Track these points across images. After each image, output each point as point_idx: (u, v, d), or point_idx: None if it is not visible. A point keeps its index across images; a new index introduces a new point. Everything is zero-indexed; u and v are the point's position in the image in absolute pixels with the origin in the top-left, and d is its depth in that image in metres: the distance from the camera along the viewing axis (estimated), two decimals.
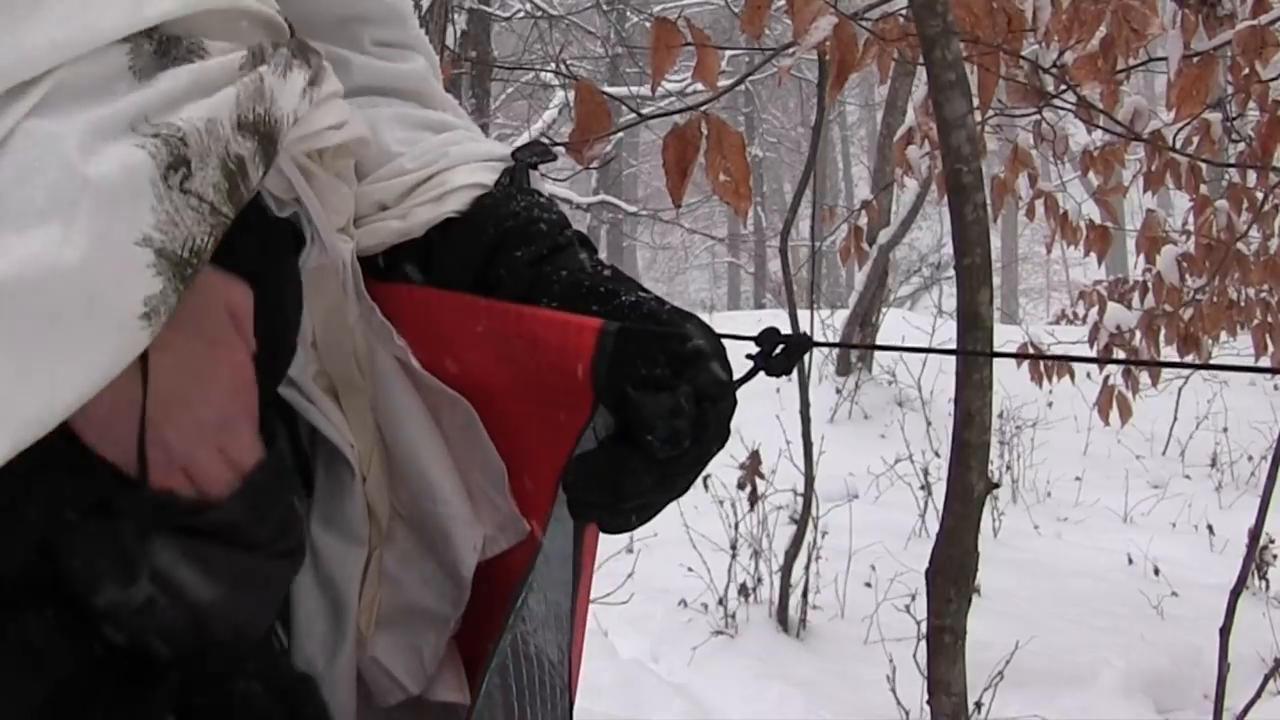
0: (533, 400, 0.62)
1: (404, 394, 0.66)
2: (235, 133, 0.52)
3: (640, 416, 0.57)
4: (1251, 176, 3.49)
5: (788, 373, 0.61)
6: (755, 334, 0.61)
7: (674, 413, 0.57)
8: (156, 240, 0.48)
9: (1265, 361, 4.10)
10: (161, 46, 0.51)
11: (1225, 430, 6.49)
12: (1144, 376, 4.07)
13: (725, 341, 0.61)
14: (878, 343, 7.50)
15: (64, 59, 0.48)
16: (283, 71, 0.55)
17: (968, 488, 1.81)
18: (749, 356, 0.61)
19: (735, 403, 0.60)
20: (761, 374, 0.61)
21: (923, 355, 6.83)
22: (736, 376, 0.60)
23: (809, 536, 3.73)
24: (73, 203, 0.46)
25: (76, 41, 0.48)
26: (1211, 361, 6.47)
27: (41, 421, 0.45)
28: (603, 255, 0.67)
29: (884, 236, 6.71)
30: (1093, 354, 4.06)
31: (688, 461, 0.59)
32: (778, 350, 0.61)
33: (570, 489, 0.61)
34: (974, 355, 1.70)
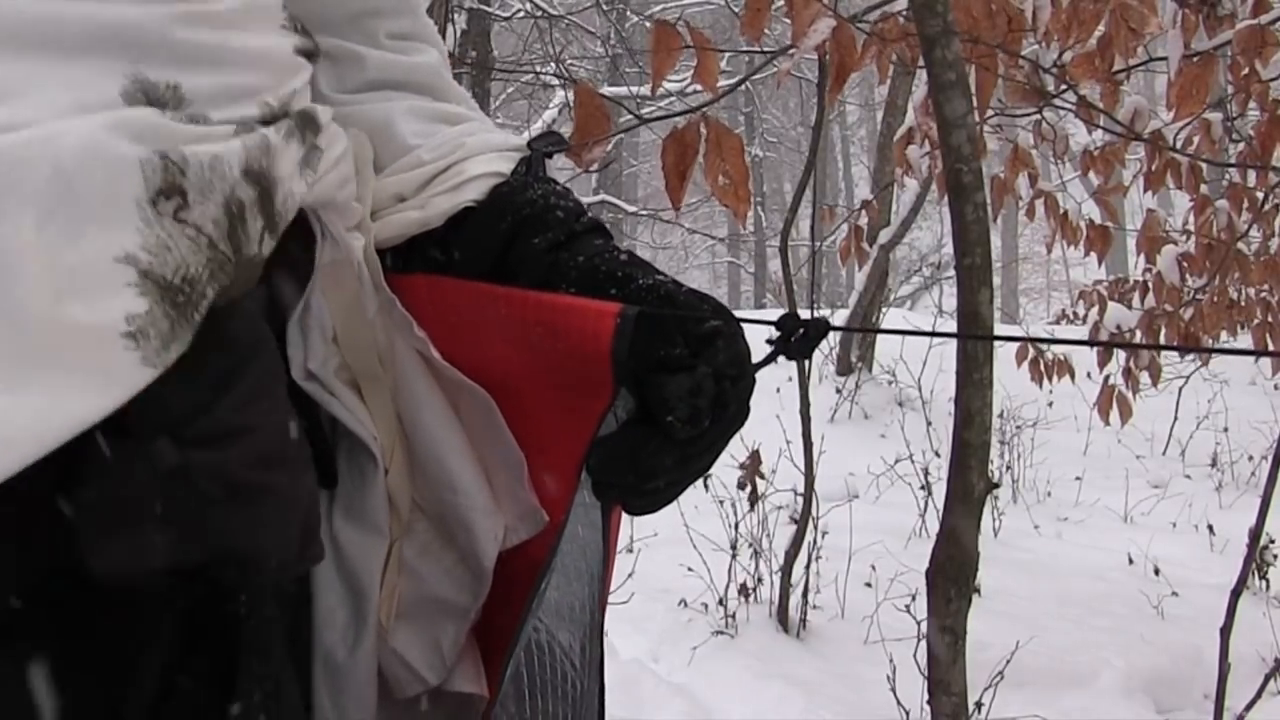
0: (553, 386, 0.62)
1: (424, 385, 0.66)
2: (242, 177, 0.52)
3: (660, 397, 0.58)
4: (1251, 176, 3.49)
5: (806, 356, 0.61)
6: (773, 320, 0.62)
7: (693, 393, 0.58)
8: (143, 261, 0.47)
9: (1265, 363, 4.10)
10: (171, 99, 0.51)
11: (1225, 430, 6.49)
12: (1144, 376, 4.07)
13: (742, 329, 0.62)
14: (879, 344, 7.52)
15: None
16: (284, 138, 0.56)
17: (968, 488, 1.81)
18: (768, 341, 0.61)
19: (754, 382, 0.61)
20: (762, 371, 0.61)
21: (923, 356, 6.85)
22: (755, 359, 0.61)
23: (809, 536, 3.72)
24: (54, 203, 0.45)
25: None
26: (1212, 364, 6.47)
27: (38, 441, 0.44)
28: None
29: (884, 236, 6.72)
30: (1093, 355, 4.06)
31: (708, 440, 0.60)
32: (796, 335, 0.61)
33: (594, 471, 0.62)
34: (977, 340, 1.72)
